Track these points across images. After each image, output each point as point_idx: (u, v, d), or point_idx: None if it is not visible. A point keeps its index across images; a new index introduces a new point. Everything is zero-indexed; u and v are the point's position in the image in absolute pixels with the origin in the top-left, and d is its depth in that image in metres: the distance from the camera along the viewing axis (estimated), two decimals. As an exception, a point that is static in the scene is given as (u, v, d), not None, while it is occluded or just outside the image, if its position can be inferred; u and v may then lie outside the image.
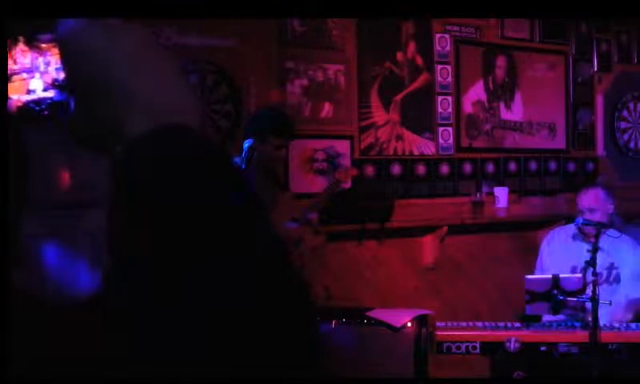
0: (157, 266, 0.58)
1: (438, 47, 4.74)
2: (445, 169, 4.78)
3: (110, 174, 0.65)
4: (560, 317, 3.44)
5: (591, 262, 3.18)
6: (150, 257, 0.59)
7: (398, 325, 3.48)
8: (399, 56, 4.60)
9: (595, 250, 3.22)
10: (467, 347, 3.34)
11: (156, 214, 0.60)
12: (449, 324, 3.45)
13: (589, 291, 3.16)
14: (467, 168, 4.86)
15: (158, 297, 0.58)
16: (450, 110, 4.79)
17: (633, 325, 3.44)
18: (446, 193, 4.78)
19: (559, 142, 5.23)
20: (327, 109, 4.36)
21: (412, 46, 4.64)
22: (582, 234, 3.79)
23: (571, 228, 3.91)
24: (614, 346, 3.25)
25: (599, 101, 5.40)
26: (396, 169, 4.59)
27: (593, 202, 3.74)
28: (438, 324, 3.45)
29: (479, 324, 3.46)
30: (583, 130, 5.34)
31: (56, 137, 0.69)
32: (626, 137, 5.52)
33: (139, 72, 0.63)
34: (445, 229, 4.60)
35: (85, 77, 0.63)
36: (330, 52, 4.38)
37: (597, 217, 3.67)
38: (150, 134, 0.61)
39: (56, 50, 0.66)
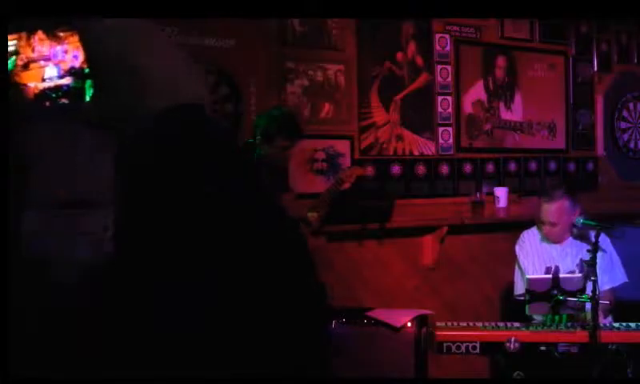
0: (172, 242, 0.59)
1: (438, 47, 4.74)
2: (445, 169, 4.78)
3: (123, 152, 0.67)
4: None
5: (591, 262, 3.18)
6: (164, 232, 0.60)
7: (398, 325, 3.48)
8: (399, 56, 4.60)
9: (595, 250, 3.22)
10: (467, 347, 3.33)
11: (167, 187, 0.61)
12: (449, 324, 3.45)
13: (588, 291, 3.16)
14: (467, 168, 4.86)
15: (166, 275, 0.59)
16: (450, 109, 4.79)
17: (632, 324, 3.44)
18: (446, 193, 4.78)
19: (559, 142, 5.23)
20: (327, 109, 4.36)
21: (412, 46, 4.64)
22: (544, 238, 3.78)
23: (536, 230, 3.89)
24: (614, 346, 3.25)
25: (599, 101, 5.40)
26: (396, 169, 4.59)
27: (555, 216, 3.66)
28: (438, 324, 3.45)
29: (479, 324, 3.46)
30: (583, 130, 5.34)
31: (59, 136, 0.70)
32: (625, 137, 5.52)
33: (157, 61, 0.67)
34: (445, 229, 4.60)
35: (109, 64, 0.66)
36: (330, 52, 4.38)
37: (557, 230, 3.65)
38: (166, 111, 0.65)
39: (74, 39, 0.68)
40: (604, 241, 3.69)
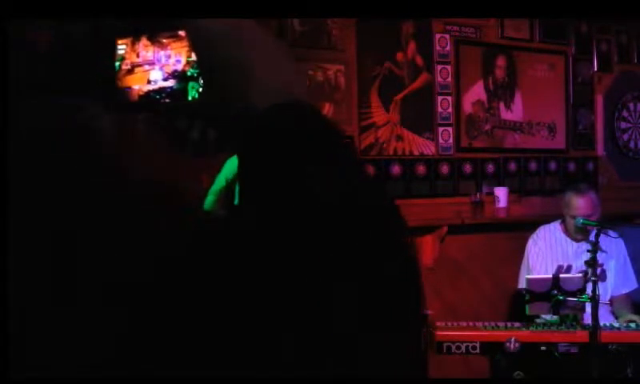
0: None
1: (438, 47, 4.74)
2: (445, 169, 4.77)
3: (235, 147, 0.70)
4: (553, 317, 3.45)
5: (591, 262, 3.19)
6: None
7: (398, 325, 3.47)
8: (399, 56, 4.60)
9: (595, 250, 3.23)
10: (467, 347, 3.33)
11: (277, 184, 0.62)
12: (449, 324, 3.45)
13: (588, 291, 3.16)
14: (467, 168, 4.86)
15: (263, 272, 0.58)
16: (450, 109, 4.79)
17: (632, 324, 3.45)
18: (446, 193, 4.78)
19: (559, 142, 5.23)
20: (327, 109, 4.36)
21: (412, 46, 4.64)
22: (571, 233, 3.82)
23: (556, 226, 3.93)
24: (614, 346, 3.26)
25: (599, 101, 5.40)
26: (396, 169, 4.59)
27: (588, 208, 3.74)
28: (438, 324, 3.45)
29: (479, 324, 3.46)
30: (583, 130, 5.34)
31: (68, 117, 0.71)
32: (626, 137, 5.52)
33: (265, 57, 0.71)
34: (445, 229, 4.60)
35: (220, 64, 0.69)
36: (329, 52, 4.38)
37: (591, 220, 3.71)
38: (279, 107, 0.66)
39: (176, 44, 0.73)
40: (619, 244, 3.74)
